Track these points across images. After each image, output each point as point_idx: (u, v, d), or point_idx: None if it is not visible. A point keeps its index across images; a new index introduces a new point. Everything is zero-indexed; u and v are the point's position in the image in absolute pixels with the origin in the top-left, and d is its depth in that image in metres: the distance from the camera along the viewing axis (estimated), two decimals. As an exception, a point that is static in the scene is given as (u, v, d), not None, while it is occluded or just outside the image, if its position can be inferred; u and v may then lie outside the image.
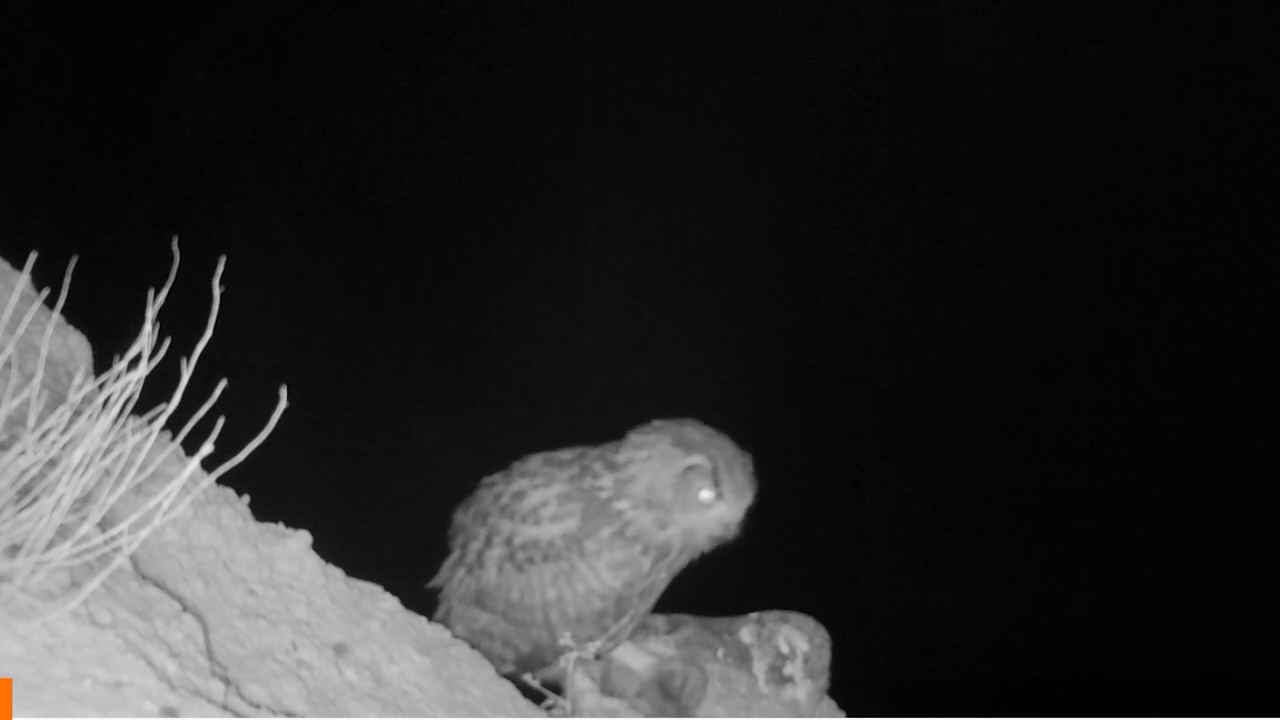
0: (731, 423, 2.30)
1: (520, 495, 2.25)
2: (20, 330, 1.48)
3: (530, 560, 2.21)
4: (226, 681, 1.46)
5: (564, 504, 2.22)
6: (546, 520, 2.21)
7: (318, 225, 6.65)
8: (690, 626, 2.53)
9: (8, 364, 1.50)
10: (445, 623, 2.25)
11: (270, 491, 1.98)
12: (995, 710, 3.92)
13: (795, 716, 2.44)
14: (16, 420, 1.44)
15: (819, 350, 6.50)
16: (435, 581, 2.39)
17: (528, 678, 2.25)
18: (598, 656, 2.40)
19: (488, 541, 2.26)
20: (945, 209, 6.87)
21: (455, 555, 2.36)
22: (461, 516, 2.34)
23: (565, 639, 2.23)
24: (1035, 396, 6.49)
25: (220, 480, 1.45)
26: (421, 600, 2.38)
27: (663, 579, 2.26)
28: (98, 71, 6.54)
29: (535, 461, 2.30)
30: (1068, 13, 6.83)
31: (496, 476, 2.32)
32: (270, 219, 6.47)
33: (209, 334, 1.37)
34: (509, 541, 2.23)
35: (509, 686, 2.08)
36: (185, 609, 1.54)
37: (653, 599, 2.28)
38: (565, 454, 2.30)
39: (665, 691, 2.35)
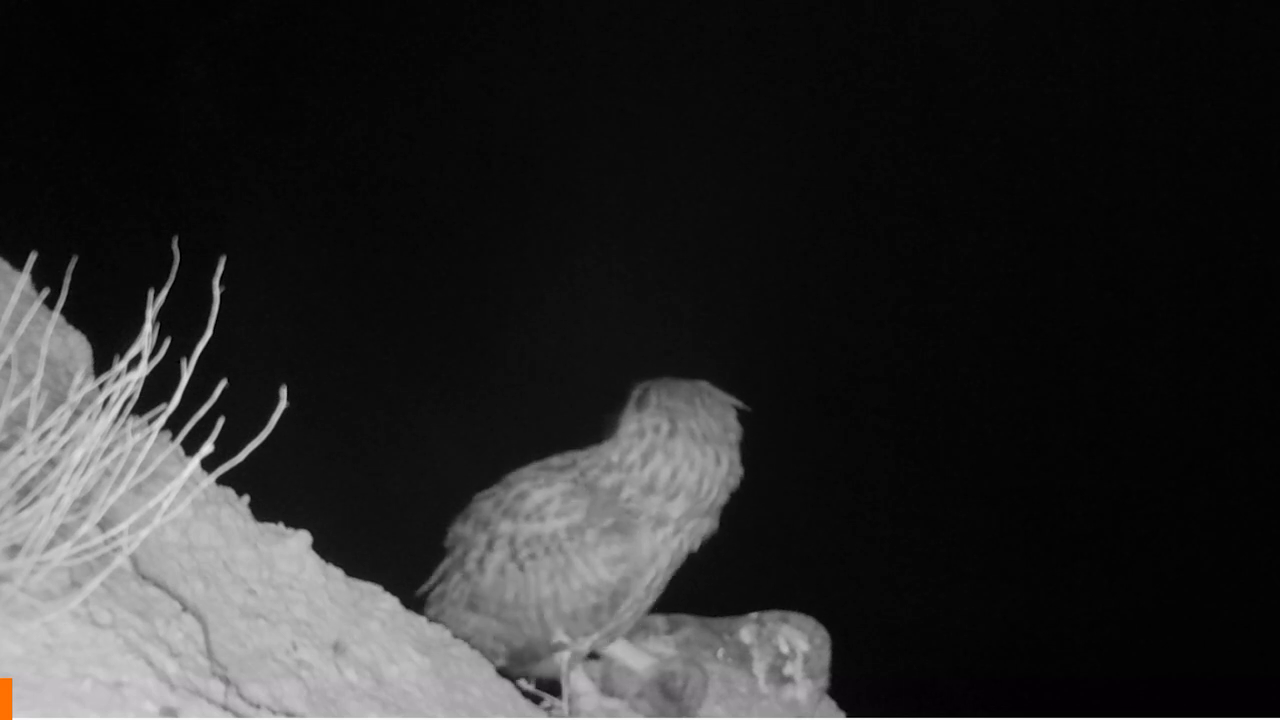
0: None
1: (523, 496, 2.25)
2: (20, 330, 1.48)
3: (533, 556, 2.21)
4: (226, 681, 1.46)
5: (568, 500, 2.21)
6: (551, 516, 2.21)
7: (318, 225, 6.65)
8: (690, 626, 2.53)
9: (8, 364, 1.50)
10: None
11: (270, 491, 1.98)
12: (995, 710, 3.92)
13: (795, 716, 2.44)
14: (16, 420, 1.44)
15: (819, 350, 6.50)
16: (424, 588, 2.39)
17: (523, 682, 2.25)
18: (595, 655, 2.40)
19: (489, 546, 2.25)
20: (946, 209, 6.87)
21: (448, 562, 2.36)
22: (460, 527, 2.34)
23: (559, 635, 2.22)
24: (1036, 397, 6.49)
25: (220, 480, 1.45)
26: (421, 601, 2.38)
27: (679, 556, 2.25)
28: (98, 71, 6.54)
29: (530, 469, 2.31)
30: (1068, 12, 6.83)
31: (493, 488, 2.32)
32: (270, 219, 6.47)
33: (209, 334, 1.37)
34: (512, 541, 2.23)
35: (509, 686, 2.07)
36: (185, 609, 1.54)
37: (658, 592, 2.28)
38: (557, 460, 2.30)
39: (666, 692, 2.35)
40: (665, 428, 2.19)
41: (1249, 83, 6.59)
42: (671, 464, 2.18)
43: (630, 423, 2.23)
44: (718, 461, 2.20)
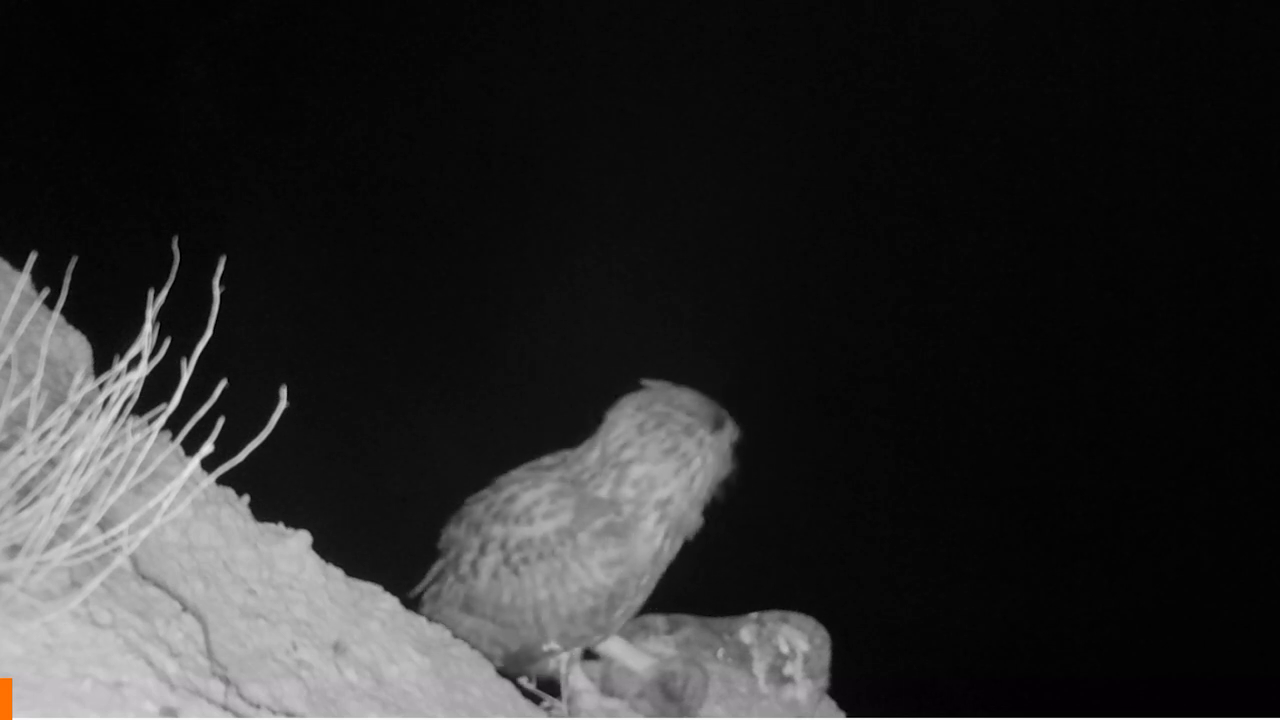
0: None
1: (512, 499, 2.25)
2: (20, 330, 1.48)
3: (525, 561, 2.21)
4: (226, 681, 1.46)
5: (556, 500, 2.22)
6: (540, 518, 2.21)
7: (318, 225, 6.65)
8: (690, 626, 2.53)
9: (8, 364, 1.50)
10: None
11: (270, 491, 1.98)
12: (995, 710, 3.92)
13: (795, 716, 2.44)
14: (16, 420, 1.44)
15: (819, 350, 6.49)
16: (418, 588, 2.39)
17: (523, 681, 2.25)
18: (594, 655, 2.40)
19: (482, 550, 2.26)
20: (946, 209, 6.87)
21: (441, 564, 2.36)
22: (454, 530, 2.34)
23: (550, 644, 2.22)
24: (1036, 397, 6.49)
25: (220, 480, 1.45)
26: (417, 601, 2.38)
27: (666, 556, 2.25)
28: (98, 71, 6.54)
29: (520, 470, 2.31)
30: (1068, 12, 6.83)
31: (485, 491, 2.32)
32: (270, 219, 6.47)
33: (209, 334, 1.37)
34: (504, 545, 2.23)
35: (509, 686, 2.08)
36: (185, 609, 1.54)
37: (648, 591, 2.28)
38: (548, 459, 2.31)
39: (667, 692, 2.35)
40: (648, 427, 2.20)
41: (1249, 83, 6.59)
42: (646, 466, 2.18)
43: (611, 425, 2.24)
44: (676, 473, 2.20)
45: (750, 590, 2.78)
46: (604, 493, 2.20)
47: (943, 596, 5.73)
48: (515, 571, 2.21)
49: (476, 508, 2.30)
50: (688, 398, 2.25)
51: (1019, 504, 6.16)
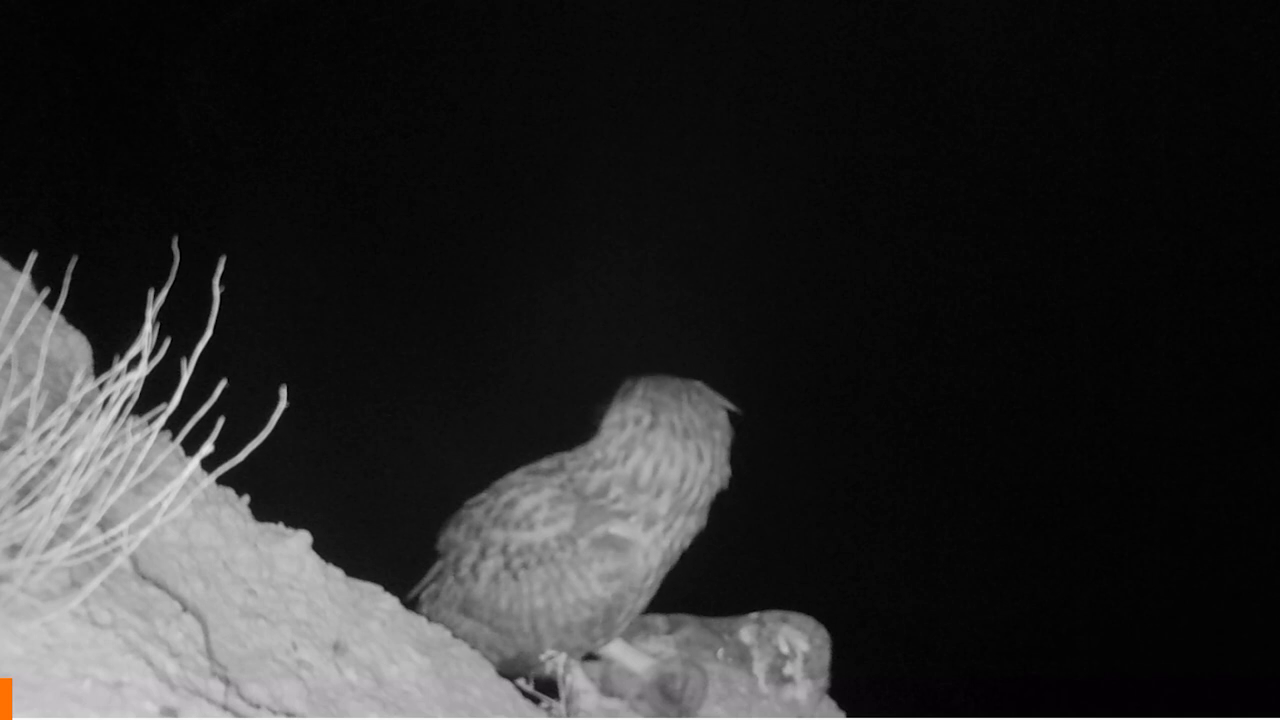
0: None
1: (512, 504, 2.23)
2: (20, 330, 1.48)
3: (525, 566, 2.19)
4: (226, 681, 1.46)
5: (555, 506, 2.20)
6: (540, 524, 2.19)
7: (318, 225, 6.65)
8: (690, 626, 2.52)
9: (8, 364, 1.50)
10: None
11: (270, 491, 1.97)
12: (995, 710, 3.92)
13: (795, 716, 2.44)
14: (16, 420, 1.44)
15: (820, 350, 6.50)
16: (417, 589, 2.37)
17: (522, 682, 2.24)
18: (594, 656, 2.40)
19: (482, 554, 2.24)
20: (946, 209, 6.87)
21: (439, 566, 2.35)
22: (452, 533, 2.32)
23: (548, 653, 2.20)
24: (1037, 396, 6.49)
25: (220, 480, 1.45)
26: (415, 601, 2.38)
27: (671, 555, 2.23)
28: (98, 71, 6.54)
29: (518, 474, 2.28)
30: (1068, 12, 6.83)
31: (483, 495, 2.31)
32: (270, 219, 6.47)
33: (209, 334, 1.36)
34: (504, 550, 2.21)
35: (509, 686, 2.07)
36: (185, 609, 1.54)
37: (651, 592, 2.26)
38: (545, 463, 2.28)
39: (667, 693, 2.35)
40: (646, 420, 2.16)
41: (1249, 83, 6.59)
42: (653, 458, 2.15)
43: (613, 414, 2.21)
44: (700, 458, 2.16)
45: (750, 590, 2.78)
46: (604, 496, 2.18)
47: (943, 596, 5.74)
48: (515, 577, 2.19)
49: (475, 511, 2.28)
50: (691, 398, 2.22)
51: (1019, 503, 6.16)
